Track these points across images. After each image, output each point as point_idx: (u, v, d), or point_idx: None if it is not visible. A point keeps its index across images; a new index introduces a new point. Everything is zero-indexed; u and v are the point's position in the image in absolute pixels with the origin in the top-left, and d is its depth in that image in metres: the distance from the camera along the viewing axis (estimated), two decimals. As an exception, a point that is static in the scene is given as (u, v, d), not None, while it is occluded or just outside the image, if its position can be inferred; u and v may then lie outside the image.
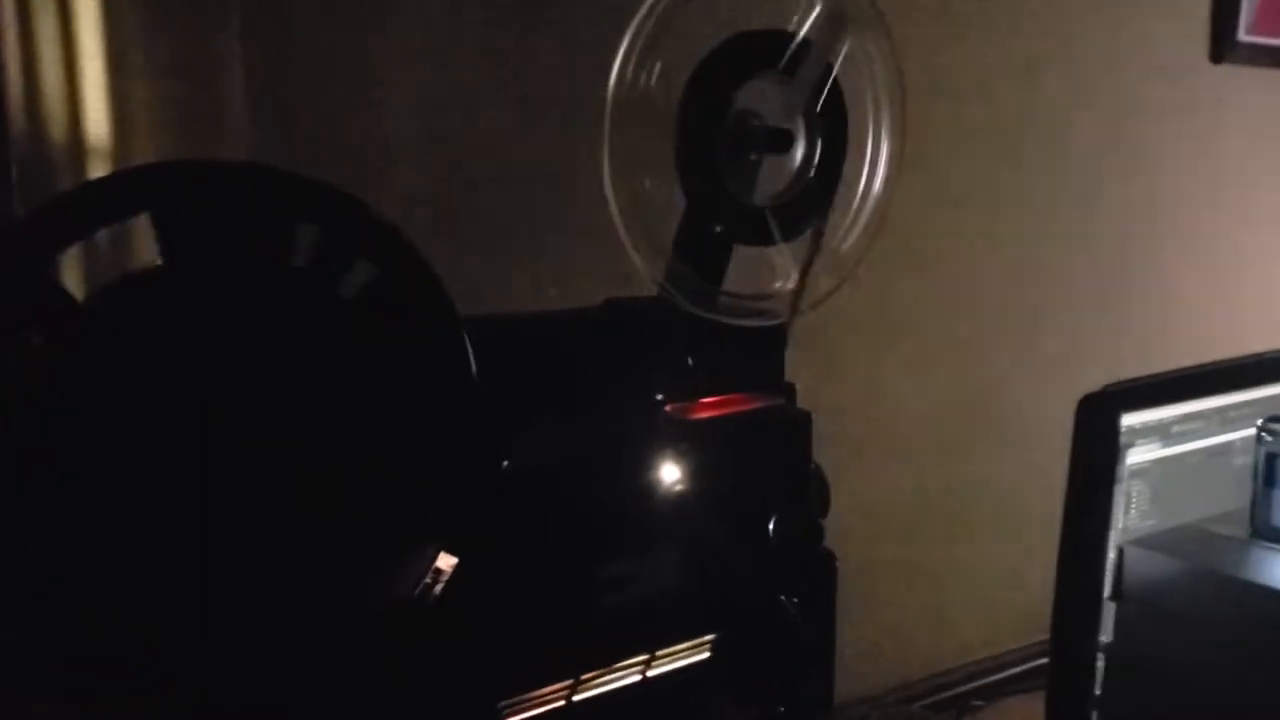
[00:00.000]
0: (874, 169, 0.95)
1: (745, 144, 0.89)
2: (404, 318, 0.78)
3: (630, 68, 0.84)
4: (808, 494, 0.91)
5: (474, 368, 0.80)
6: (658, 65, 0.85)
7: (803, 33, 0.90)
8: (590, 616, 0.84)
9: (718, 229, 0.90)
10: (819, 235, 0.92)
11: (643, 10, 0.85)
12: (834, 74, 0.92)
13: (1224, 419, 1.22)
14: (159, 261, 0.70)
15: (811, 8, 0.91)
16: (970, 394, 1.69)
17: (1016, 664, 1.76)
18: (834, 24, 0.91)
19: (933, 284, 1.61)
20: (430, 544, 0.81)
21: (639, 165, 0.85)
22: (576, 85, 1.23)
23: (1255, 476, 1.13)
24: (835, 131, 0.92)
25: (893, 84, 0.93)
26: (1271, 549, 1.11)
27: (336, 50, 1.13)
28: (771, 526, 0.89)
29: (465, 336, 0.80)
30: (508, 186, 1.22)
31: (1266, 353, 1.48)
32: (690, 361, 0.92)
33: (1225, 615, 1.05)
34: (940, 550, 1.69)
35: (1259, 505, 1.12)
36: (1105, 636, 1.15)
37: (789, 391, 0.96)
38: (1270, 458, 1.11)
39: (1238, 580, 1.06)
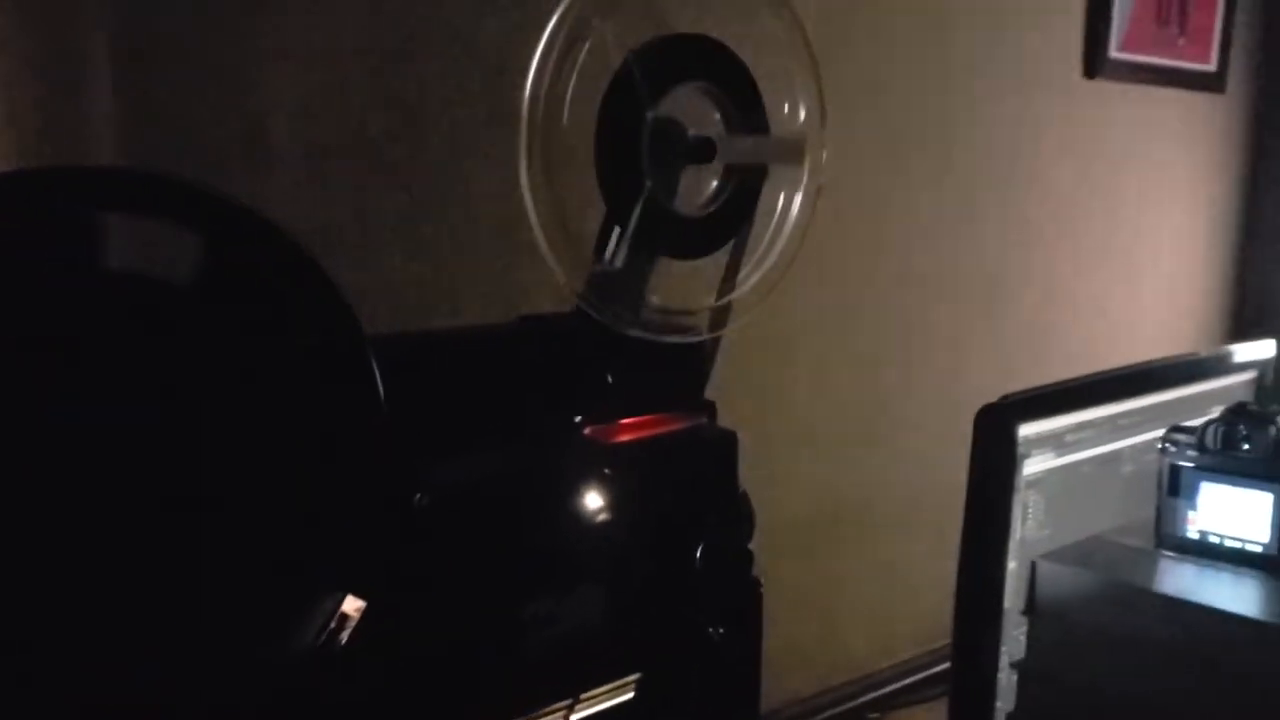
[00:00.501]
0: (793, 185, 0.91)
1: (667, 153, 0.84)
2: (302, 337, 0.71)
3: (547, 74, 0.78)
4: (736, 518, 0.86)
5: (380, 391, 0.73)
6: (575, 71, 0.79)
7: (722, 37, 0.86)
8: (510, 660, 0.78)
9: (641, 241, 0.85)
10: (742, 246, 0.88)
11: (558, 13, 0.79)
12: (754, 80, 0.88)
13: (1114, 427, 1.23)
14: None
15: (730, 16, 0.87)
16: (864, 406, 1.68)
17: (911, 674, 1.76)
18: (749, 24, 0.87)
19: (825, 297, 1.59)
20: (334, 587, 0.73)
21: (559, 174, 0.79)
22: (465, 86, 1.17)
23: (1159, 488, 1.14)
24: (758, 133, 0.88)
25: (811, 86, 0.90)
26: (1177, 559, 1.11)
27: (208, 50, 1.04)
28: (699, 554, 0.84)
29: (371, 357, 0.73)
30: (394, 195, 1.15)
31: (1153, 361, 1.51)
32: (610, 380, 0.86)
33: (1136, 627, 1.06)
34: (832, 564, 1.68)
35: (1164, 516, 1.13)
36: (1018, 653, 1.14)
37: (710, 410, 0.91)
38: (1174, 469, 1.12)
39: (1147, 592, 1.07)
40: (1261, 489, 1.06)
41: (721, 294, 0.89)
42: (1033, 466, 1.14)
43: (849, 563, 1.71)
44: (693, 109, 0.85)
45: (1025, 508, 1.15)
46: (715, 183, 0.89)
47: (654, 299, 0.88)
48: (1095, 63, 1.90)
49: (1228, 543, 1.09)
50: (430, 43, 1.15)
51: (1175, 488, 1.12)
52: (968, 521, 1.09)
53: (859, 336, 1.65)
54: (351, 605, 0.74)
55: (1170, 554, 1.12)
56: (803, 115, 0.90)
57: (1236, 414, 1.08)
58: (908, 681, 1.76)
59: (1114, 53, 1.90)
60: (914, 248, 1.71)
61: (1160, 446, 1.14)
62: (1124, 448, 1.25)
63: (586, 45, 0.79)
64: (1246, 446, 1.07)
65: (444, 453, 0.79)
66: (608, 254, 0.83)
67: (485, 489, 0.78)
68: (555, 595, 0.79)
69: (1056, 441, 1.17)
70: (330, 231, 1.09)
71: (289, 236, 0.68)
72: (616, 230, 0.83)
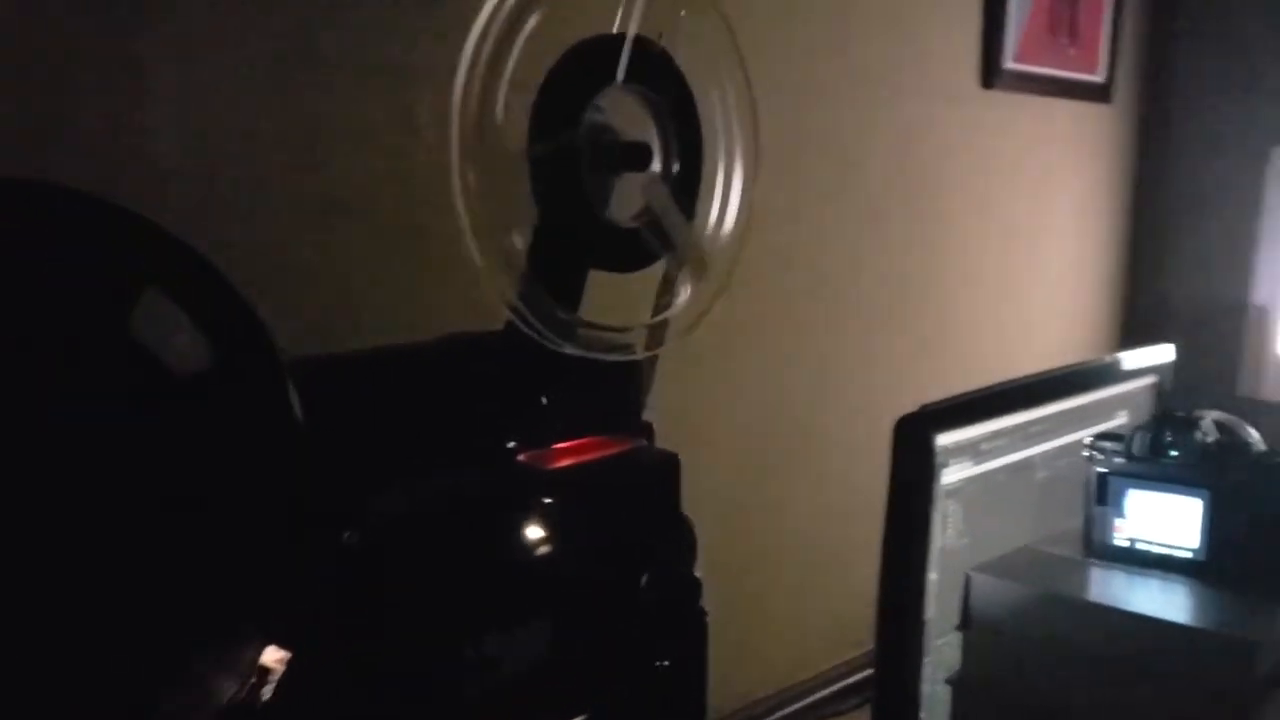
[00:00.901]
0: (729, 183, 0.87)
1: (601, 160, 0.80)
2: (214, 360, 0.64)
3: (476, 83, 0.73)
4: (680, 546, 0.82)
5: (300, 418, 0.67)
6: (505, 77, 0.74)
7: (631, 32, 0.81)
8: (450, 707, 0.72)
9: (575, 250, 0.80)
10: (678, 259, 0.84)
11: (485, 13, 0.74)
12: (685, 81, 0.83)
13: (1026, 434, 1.23)
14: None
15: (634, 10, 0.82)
16: (774, 419, 1.66)
17: (829, 684, 1.74)
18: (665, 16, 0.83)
19: (734, 310, 1.56)
20: (255, 637, 0.67)
21: (491, 180, 0.73)
22: (370, 93, 1.10)
23: (1086, 496, 1.14)
24: (690, 141, 0.84)
25: (739, 80, 0.86)
26: (1107, 568, 1.11)
27: (96, 52, 0.95)
28: (643, 585, 0.80)
29: (289, 381, 0.67)
30: (299, 210, 1.07)
31: (1062, 368, 1.52)
32: (544, 401, 0.81)
33: (1069, 637, 1.05)
34: (746, 580, 1.65)
35: (1092, 524, 1.13)
36: (953, 667, 1.13)
37: (648, 431, 0.87)
38: (1101, 477, 1.12)
39: (1079, 602, 1.06)
40: (1189, 494, 1.07)
41: (657, 311, 0.84)
42: (951, 476, 1.13)
43: (763, 578, 1.68)
44: (627, 112, 0.81)
45: (945, 517, 1.14)
46: (650, 191, 0.84)
47: (588, 316, 0.83)
48: (991, 73, 1.92)
49: (1157, 549, 1.10)
50: (335, 46, 1.08)
51: (1103, 496, 1.12)
52: (888, 532, 1.07)
53: (768, 349, 1.63)
54: (273, 657, 0.68)
55: (1100, 562, 1.12)
56: (735, 128, 0.86)
57: (1162, 420, 1.09)
58: (826, 693, 1.74)
59: (1009, 63, 1.93)
60: (821, 258, 1.70)
61: (1087, 454, 1.14)
62: (1036, 454, 1.25)
63: (519, 42, 0.73)
64: (1174, 453, 1.07)
65: (372, 485, 0.73)
66: (541, 265, 0.78)
67: (420, 523, 0.72)
68: (496, 636, 0.73)
69: (973, 450, 1.17)
70: (221, 249, 1.01)
71: (194, 249, 0.62)
72: (550, 240, 0.78)
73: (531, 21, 0.73)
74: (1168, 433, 1.08)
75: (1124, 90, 2.16)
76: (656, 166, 0.83)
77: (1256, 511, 1.04)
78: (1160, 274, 2.21)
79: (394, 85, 1.10)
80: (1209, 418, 1.09)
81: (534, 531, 0.76)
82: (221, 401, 0.62)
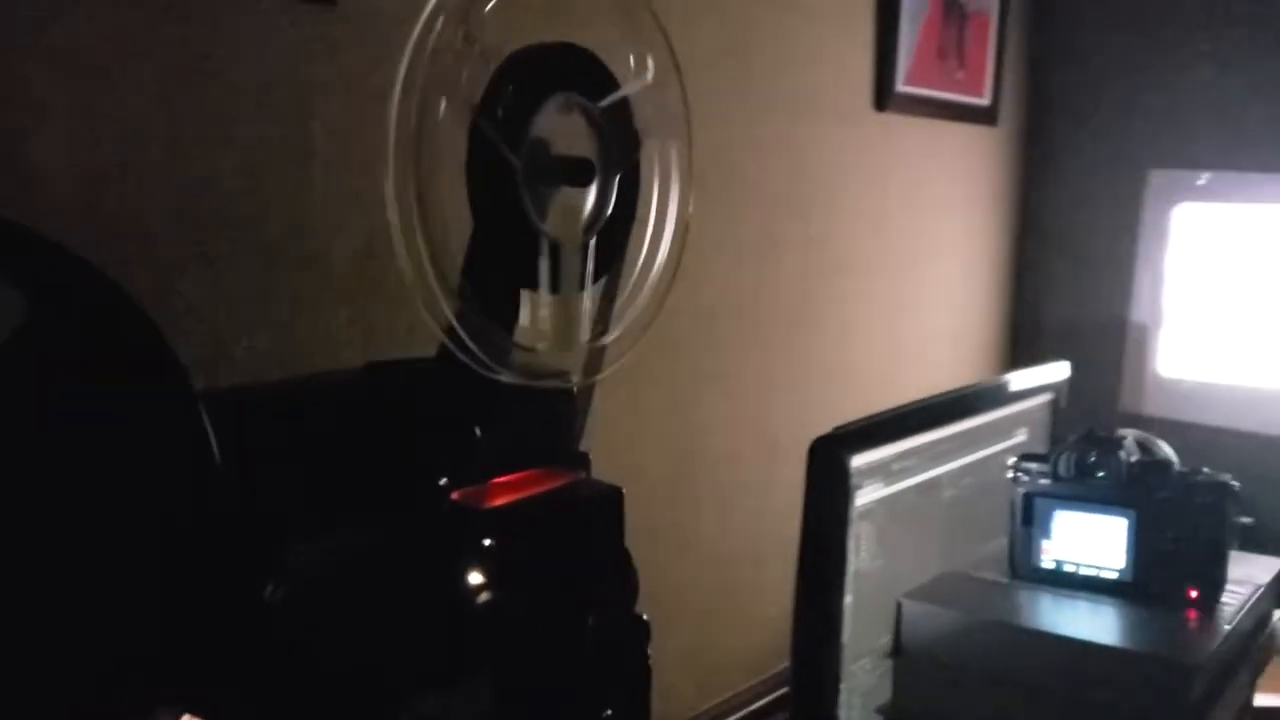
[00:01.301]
0: (664, 203, 0.83)
1: (542, 176, 0.74)
2: (121, 393, 0.56)
3: (416, 91, 0.67)
4: (626, 585, 0.77)
5: (217, 458, 0.60)
6: (444, 88, 0.68)
7: (595, 47, 0.77)
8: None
9: (513, 270, 0.74)
10: (616, 281, 0.79)
11: (425, 15, 0.68)
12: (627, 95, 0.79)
13: (933, 454, 1.23)
14: None
15: (600, 22, 0.78)
16: (681, 445, 1.62)
17: (738, 709, 1.71)
18: (627, 36, 0.79)
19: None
20: (165, 705, 0.59)
21: (425, 197, 0.67)
22: (275, 101, 1.02)
23: (1012, 518, 1.13)
24: (630, 157, 0.79)
25: (678, 105, 0.82)
26: (1035, 590, 1.10)
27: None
28: (589, 630, 0.74)
29: (204, 417, 0.60)
30: (187, 229, 0.98)
31: (967, 387, 1.52)
32: (478, 433, 0.75)
33: (1002, 663, 1.03)
34: (654, 609, 1.61)
35: (1018, 547, 1.12)
36: (883, 696, 1.10)
37: (585, 462, 0.81)
38: (1027, 499, 1.11)
39: (1008, 626, 1.05)
40: (1115, 514, 1.07)
41: (595, 336, 0.79)
42: (864, 497, 1.11)
43: (672, 606, 1.64)
44: (567, 126, 0.76)
45: (858, 539, 1.13)
46: (589, 210, 0.79)
47: (523, 341, 0.77)
48: (884, 95, 1.93)
49: (1084, 571, 1.09)
50: (233, 52, 1.00)
51: (1029, 517, 1.11)
52: (804, 555, 1.05)
53: (668, 375, 1.59)
54: (188, 729, 0.60)
55: (1028, 585, 1.11)
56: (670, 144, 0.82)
57: (1087, 440, 1.09)
58: (735, 718, 1.72)
59: (901, 86, 1.94)
60: (722, 281, 1.67)
61: (1011, 475, 1.13)
62: (943, 473, 1.25)
63: (460, 48, 0.68)
64: (1101, 474, 1.07)
65: (293, 531, 0.66)
66: (478, 285, 0.72)
67: (348, 574, 0.65)
68: (435, 694, 0.67)
69: (884, 471, 1.16)
70: (110, 267, 0.92)
71: (118, 286, 0.54)
72: (487, 258, 0.73)
73: (473, 26, 0.68)
74: (1093, 453, 1.07)
75: (1008, 113, 2.20)
76: (594, 192, 0.78)
77: (1180, 531, 1.04)
78: (1043, 293, 2.26)
79: (287, 102, 1.03)
80: (1130, 437, 1.09)
81: (473, 578, 0.69)
82: (137, 444, 0.55)
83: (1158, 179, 2.09)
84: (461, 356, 0.72)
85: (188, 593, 0.60)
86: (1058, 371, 1.47)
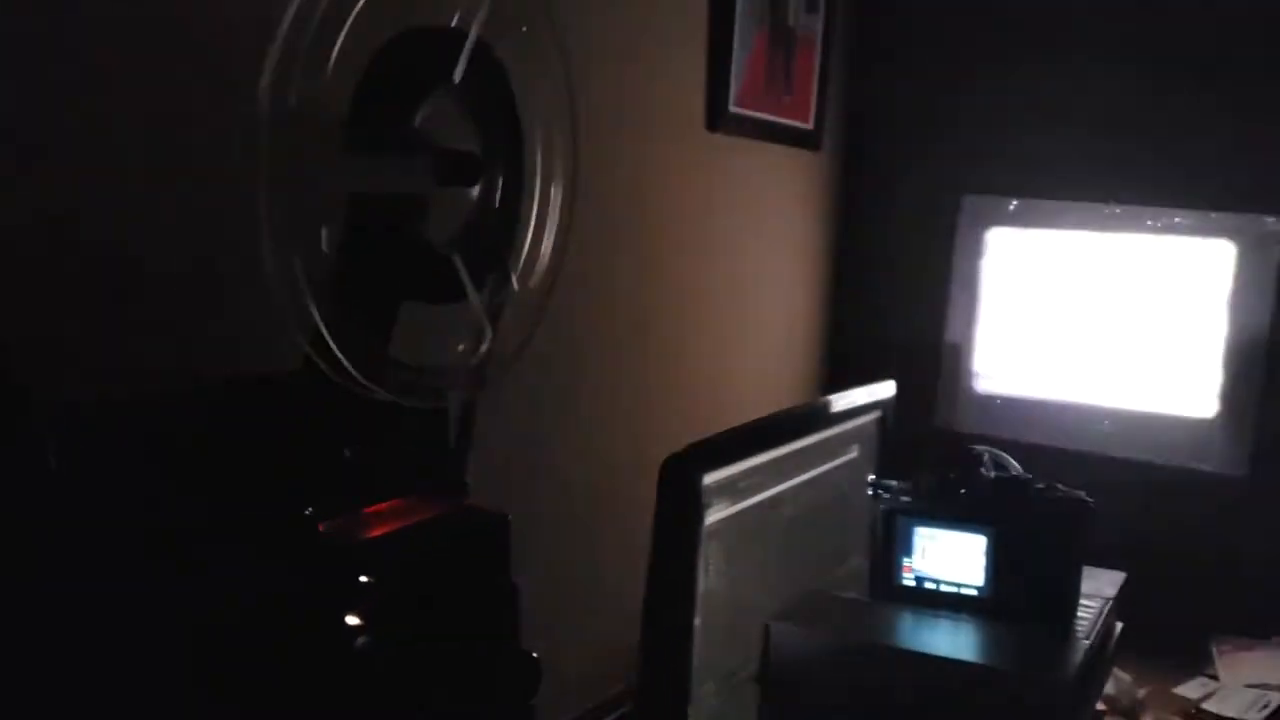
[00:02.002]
0: (546, 199, 0.77)
1: (425, 170, 0.67)
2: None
3: (291, 81, 0.59)
4: (514, 621, 0.70)
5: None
6: (320, 75, 0.61)
7: (473, 31, 0.71)
8: None
9: (391, 276, 0.67)
10: (502, 287, 0.73)
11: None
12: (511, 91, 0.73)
13: (774, 472, 1.23)
14: None
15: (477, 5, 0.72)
16: (524, 464, 1.55)
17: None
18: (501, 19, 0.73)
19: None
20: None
21: (299, 191, 0.60)
22: (121, 83, 0.90)
23: (873, 536, 1.12)
24: (514, 155, 0.73)
25: (562, 95, 0.77)
26: (898, 608, 1.10)
27: None
28: (479, 670, 0.67)
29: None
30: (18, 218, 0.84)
31: (806, 405, 1.53)
32: (348, 456, 0.67)
33: (869, 683, 1.03)
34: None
35: (879, 565, 1.11)
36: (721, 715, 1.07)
37: (463, 488, 0.74)
38: (888, 516, 1.11)
39: (877, 646, 1.04)
40: (974, 532, 1.08)
41: (478, 347, 0.72)
42: (713, 516, 1.10)
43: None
44: (450, 117, 0.69)
45: (707, 559, 1.11)
46: (472, 209, 0.72)
47: (398, 354, 0.70)
48: (716, 116, 1.93)
49: (944, 588, 1.09)
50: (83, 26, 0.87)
51: (890, 535, 1.11)
52: (654, 576, 1.03)
53: (511, 394, 1.53)
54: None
55: (891, 604, 1.10)
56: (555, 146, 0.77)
57: (947, 458, 1.09)
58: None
59: (732, 107, 1.95)
60: (558, 300, 1.62)
61: (871, 494, 1.12)
62: (785, 490, 1.25)
63: (339, 40, 0.60)
64: (962, 490, 1.08)
65: (143, 564, 0.57)
66: (351, 291, 0.65)
67: (215, 622, 0.57)
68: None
69: (731, 489, 1.15)
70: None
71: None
72: (363, 263, 0.65)
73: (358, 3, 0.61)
74: (953, 471, 1.08)
75: (831, 138, 2.24)
76: (477, 189, 0.72)
77: (1038, 547, 1.06)
78: (864, 315, 2.30)
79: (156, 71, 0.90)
80: (986, 454, 1.11)
81: (349, 620, 0.62)
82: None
83: (970, 204, 2.17)
84: (329, 371, 0.64)
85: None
86: (885, 390, 1.49)
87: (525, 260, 0.78)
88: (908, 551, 1.10)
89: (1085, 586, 1.09)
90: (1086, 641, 1.02)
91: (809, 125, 2.17)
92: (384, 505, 0.68)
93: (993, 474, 1.08)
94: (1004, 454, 1.19)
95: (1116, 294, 2.00)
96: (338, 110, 0.64)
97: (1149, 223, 1.97)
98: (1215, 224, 1.91)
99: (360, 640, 0.57)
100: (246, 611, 0.60)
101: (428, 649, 0.65)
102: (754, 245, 2.09)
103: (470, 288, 0.69)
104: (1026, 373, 2.12)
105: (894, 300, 2.28)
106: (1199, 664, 1.75)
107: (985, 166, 2.12)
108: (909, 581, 1.10)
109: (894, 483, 1.10)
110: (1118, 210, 2.01)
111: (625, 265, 1.75)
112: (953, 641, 1.03)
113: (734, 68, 1.93)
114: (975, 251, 2.17)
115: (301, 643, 0.60)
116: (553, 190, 0.78)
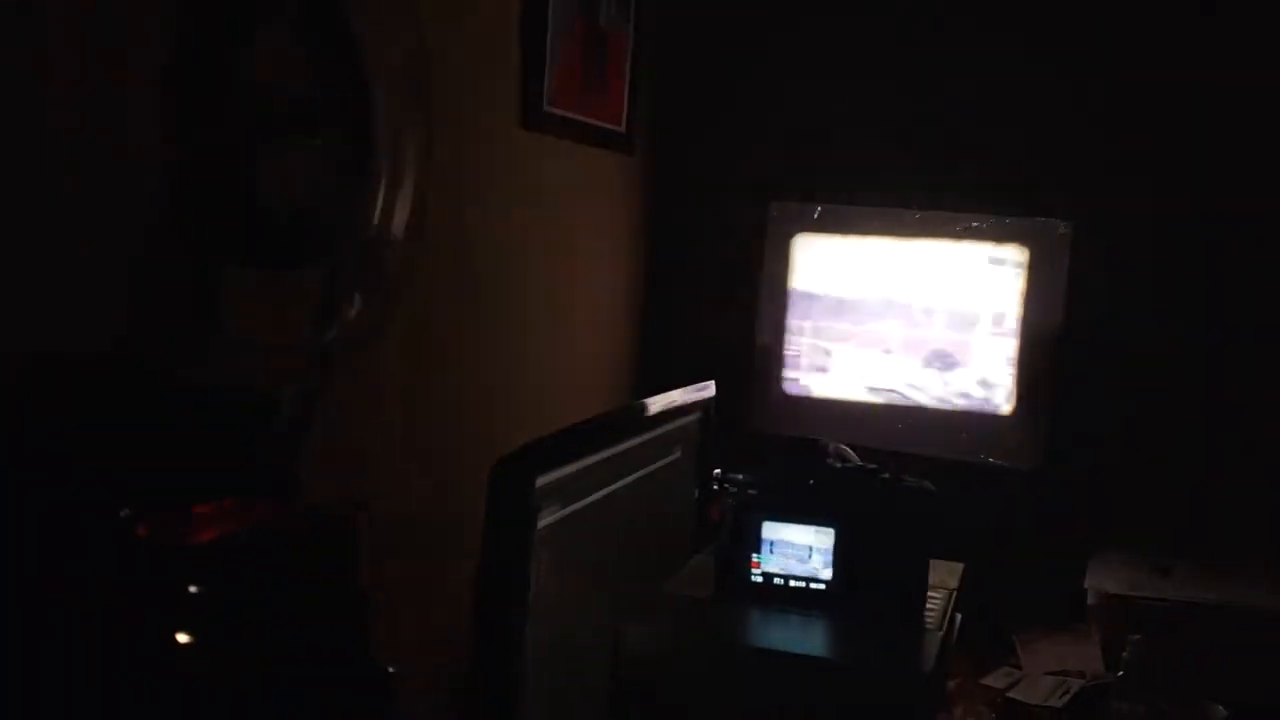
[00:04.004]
0: (398, 169, 0.69)
1: (256, 118, 0.59)
2: None
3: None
4: (365, 631, 0.62)
5: None
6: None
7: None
8: None
9: (217, 239, 0.58)
10: (351, 257, 0.64)
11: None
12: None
13: (604, 473, 1.20)
14: None
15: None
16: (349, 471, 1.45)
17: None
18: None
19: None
20: None
21: (106, 140, 0.50)
22: None
23: (722, 535, 1.08)
24: (360, 108, 0.65)
25: (413, 52, 0.70)
26: (747, 606, 1.06)
27: None
28: (323, 690, 0.59)
29: None
30: None
31: (633, 405, 1.49)
32: (166, 449, 0.57)
33: (722, 683, 1.00)
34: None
35: (727, 563, 1.08)
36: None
37: (299, 485, 0.65)
38: (736, 511, 1.07)
39: (729, 645, 1.01)
40: (822, 525, 1.05)
41: (322, 326, 0.64)
42: (545, 519, 1.06)
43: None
44: (285, 59, 0.61)
45: (539, 563, 1.06)
46: (311, 167, 0.64)
47: (226, 332, 0.61)
48: (531, 115, 1.86)
49: (793, 583, 1.07)
50: None
51: (737, 532, 1.07)
52: (486, 584, 0.97)
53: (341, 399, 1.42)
54: None
55: (739, 602, 1.07)
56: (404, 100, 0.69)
57: (795, 454, 1.07)
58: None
59: (547, 107, 1.89)
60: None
61: (717, 488, 1.09)
62: (614, 491, 1.22)
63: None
64: (810, 483, 1.05)
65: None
66: (168, 257, 0.55)
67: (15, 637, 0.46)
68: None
69: (562, 492, 1.11)
70: None
71: None
72: (184, 224, 0.56)
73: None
74: (800, 466, 1.06)
75: (643, 142, 2.22)
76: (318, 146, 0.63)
77: (887, 539, 1.04)
78: (676, 318, 2.29)
79: None
80: (831, 446, 1.09)
81: (180, 636, 0.52)
82: None
83: (777, 210, 2.18)
84: (141, 349, 0.55)
85: None
86: (706, 390, 1.49)
87: (378, 228, 0.69)
88: (755, 548, 1.07)
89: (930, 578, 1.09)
90: (940, 633, 1.01)
91: (621, 128, 2.14)
92: (209, 506, 0.58)
93: (839, 465, 1.06)
94: (846, 449, 1.18)
95: (919, 297, 2.06)
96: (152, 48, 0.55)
97: (948, 228, 2.04)
98: (1010, 229, 1.99)
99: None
100: (58, 622, 0.49)
101: (268, 666, 0.56)
102: (571, 246, 2.04)
103: (310, 255, 0.60)
104: (834, 374, 2.15)
105: (707, 304, 2.27)
106: (1003, 654, 1.80)
107: (791, 172, 2.14)
108: (757, 578, 1.07)
109: (740, 477, 1.07)
110: (918, 215, 2.07)
111: (445, 264, 1.67)
112: (807, 638, 1.01)
113: (548, 64, 1.88)
114: (783, 256, 2.19)
115: (121, 662, 0.50)
116: (407, 149, 0.70)
